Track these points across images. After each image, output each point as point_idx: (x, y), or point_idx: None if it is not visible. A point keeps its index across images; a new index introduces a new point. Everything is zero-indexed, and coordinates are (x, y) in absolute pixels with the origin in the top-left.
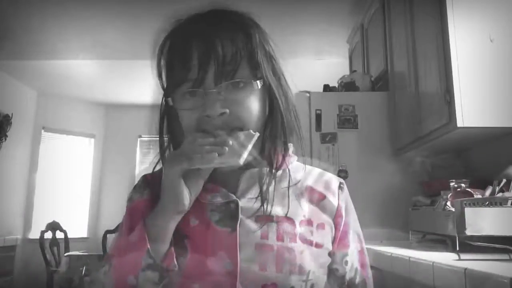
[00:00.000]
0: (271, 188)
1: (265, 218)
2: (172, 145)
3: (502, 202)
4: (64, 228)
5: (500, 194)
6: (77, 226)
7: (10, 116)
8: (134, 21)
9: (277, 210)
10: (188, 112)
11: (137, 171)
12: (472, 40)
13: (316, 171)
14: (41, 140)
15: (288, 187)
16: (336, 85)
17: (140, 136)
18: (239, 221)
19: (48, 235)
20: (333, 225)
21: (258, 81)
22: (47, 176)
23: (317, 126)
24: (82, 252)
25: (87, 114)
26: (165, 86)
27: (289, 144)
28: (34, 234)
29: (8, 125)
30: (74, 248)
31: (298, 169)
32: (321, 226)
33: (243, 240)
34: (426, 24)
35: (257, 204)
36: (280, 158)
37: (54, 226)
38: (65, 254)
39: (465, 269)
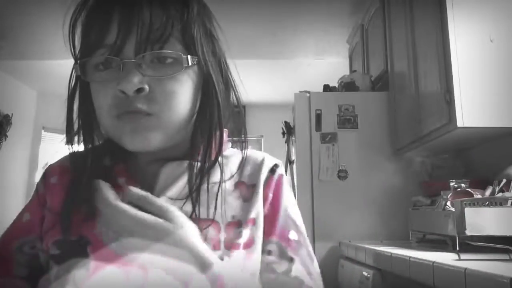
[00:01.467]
0: (203, 187)
1: None
2: (83, 130)
3: (502, 202)
4: None
5: (500, 194)
6: None
7: (10, 116)
8: None
9: (202, 212)
10: (100, 87)
11: None
12: (472, 40)
13: (250, 157)
14: (41, 140)
15: (220, 184)
16: (336, 85)
17: None
18: None
19: None
20: (262, 216)
21: (189, 57)
22: None
23: (317, 126)
24: None
25: None
26: (77, 54)
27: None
28: None
29: (8, 125)
30: None
31: (232, 159)
32: (250, 222)
33: None
34: (426, 24)
35: (178, 205)
36: (214, 151)
37: None
38: None
39: (465, 269)
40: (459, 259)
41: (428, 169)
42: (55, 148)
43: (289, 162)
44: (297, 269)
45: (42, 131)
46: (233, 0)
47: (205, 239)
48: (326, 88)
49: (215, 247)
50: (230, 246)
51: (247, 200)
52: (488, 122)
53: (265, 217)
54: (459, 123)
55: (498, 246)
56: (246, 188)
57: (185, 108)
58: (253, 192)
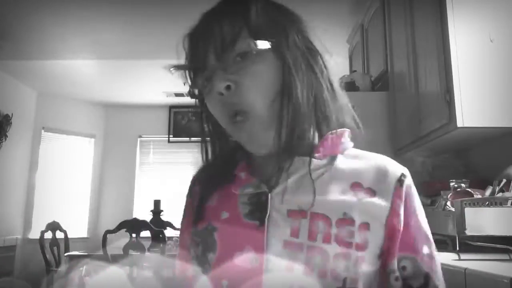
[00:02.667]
0: (297, 178)
1: (297, 214)
2: (213, 141)
3: (502, 202)
4: (64, 228)
5: (500, 194)
6: (77, 226)
7: (10, 116)
8: (134, 21)
9: (307, 203)
10: (209, 97)
11: (137, 171)
12: (472, 40)
13: (372, 160)
14: (41, 140)
15: (311, 176)
16: None
17: (140, 136)
18: (267, 214)
19: (48, 235)
20: (384, 226)
21: (260, 45)
22: (47, 176)
23: None
24: (82, 252)
25: (87, 114)
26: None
27: (339, 130)
28: (34, 234)
29: (8, 125)
30: (74, 248)
31: (347, 159)
32: (364, 226)
33: (271, 235)
34: (426, 24)
35: (290, 197)
36: (315, 143)
37: (54, 226)
38: (65, 254)
39: (465, 269)
40: (459, 259)
41: (429, 169)
42: (55, 148)
43: None
44: (434, 285)
45: (42, 131)
46: None
47: (316, 230)
48: None
49: (325, 240)
50: (342, 243)
51: (363, 202)
52: (488, 122)
53: (396, 231)
54: (459, 123)
55: (498, 246)
56: (364, 191)
57: (270, 92)
58: (372, 198)
